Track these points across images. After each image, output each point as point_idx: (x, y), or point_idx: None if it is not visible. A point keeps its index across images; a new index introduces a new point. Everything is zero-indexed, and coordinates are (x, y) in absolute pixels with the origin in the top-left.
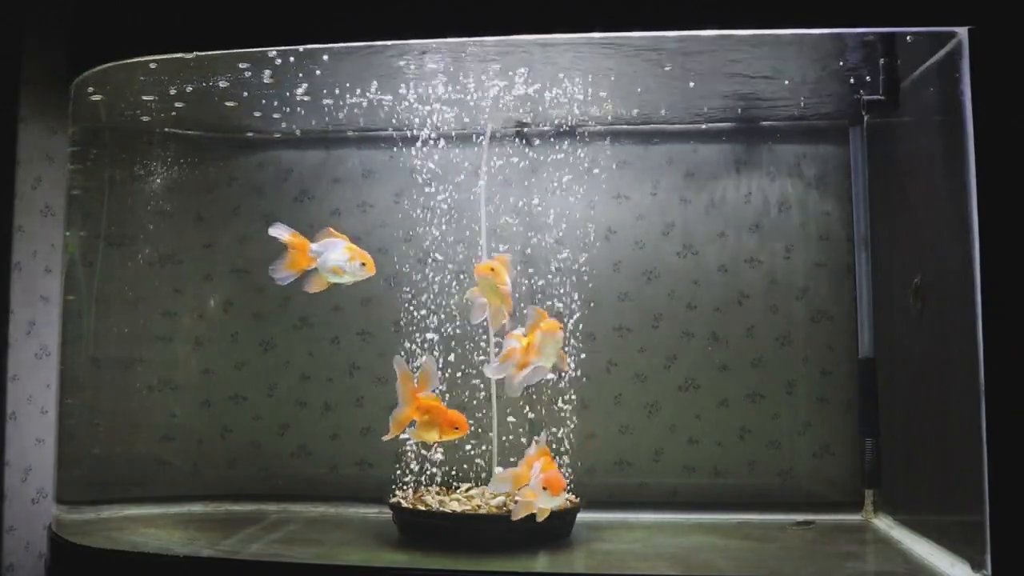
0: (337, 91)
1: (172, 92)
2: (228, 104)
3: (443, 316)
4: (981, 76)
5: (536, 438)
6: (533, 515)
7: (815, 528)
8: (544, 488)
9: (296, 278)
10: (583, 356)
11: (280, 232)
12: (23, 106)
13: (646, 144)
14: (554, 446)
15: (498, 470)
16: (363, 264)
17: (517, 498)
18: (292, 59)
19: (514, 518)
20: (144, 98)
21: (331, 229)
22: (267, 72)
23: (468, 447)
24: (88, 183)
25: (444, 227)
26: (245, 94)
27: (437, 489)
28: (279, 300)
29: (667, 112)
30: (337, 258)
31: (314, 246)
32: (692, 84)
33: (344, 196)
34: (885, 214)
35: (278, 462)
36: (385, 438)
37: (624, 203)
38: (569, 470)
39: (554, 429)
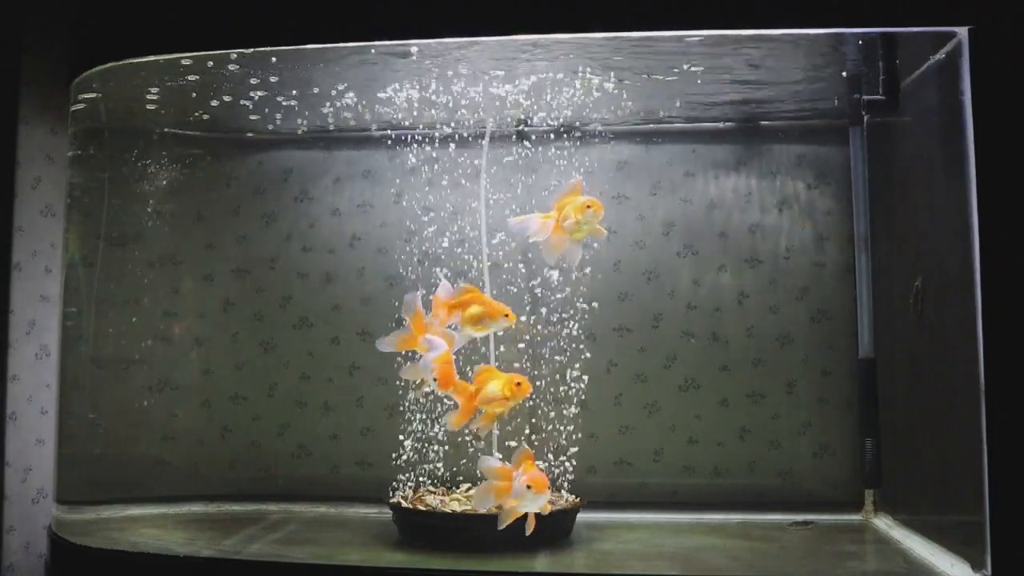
0: (337, 91)
1: (172, 92)
2: (227, 104)
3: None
4: (981, 76)
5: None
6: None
7: (815, 528)
8: (528, 487)
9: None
10: (584, 356)
11: (411, 303)
12: (23, 106)
13: (646, 144)
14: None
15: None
16: (435, 379)
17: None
18: (292, 59)
19: (500, 527)
20: (144, 98)
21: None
22: (267, 72)
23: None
24: (88, 183)
25: (444, 226)
26: (245, 94)
27: (437, 489)
28: (279, 300)
29: (667, 112)
30: (427, 363)
31: (428, 337)
32: (692, 84)
33: (344, 196)
34: (885, 214)
35: (278, 462)
36: (471, 428)
37: (624, 203)
38: (567, 470)
39: (553, 428)
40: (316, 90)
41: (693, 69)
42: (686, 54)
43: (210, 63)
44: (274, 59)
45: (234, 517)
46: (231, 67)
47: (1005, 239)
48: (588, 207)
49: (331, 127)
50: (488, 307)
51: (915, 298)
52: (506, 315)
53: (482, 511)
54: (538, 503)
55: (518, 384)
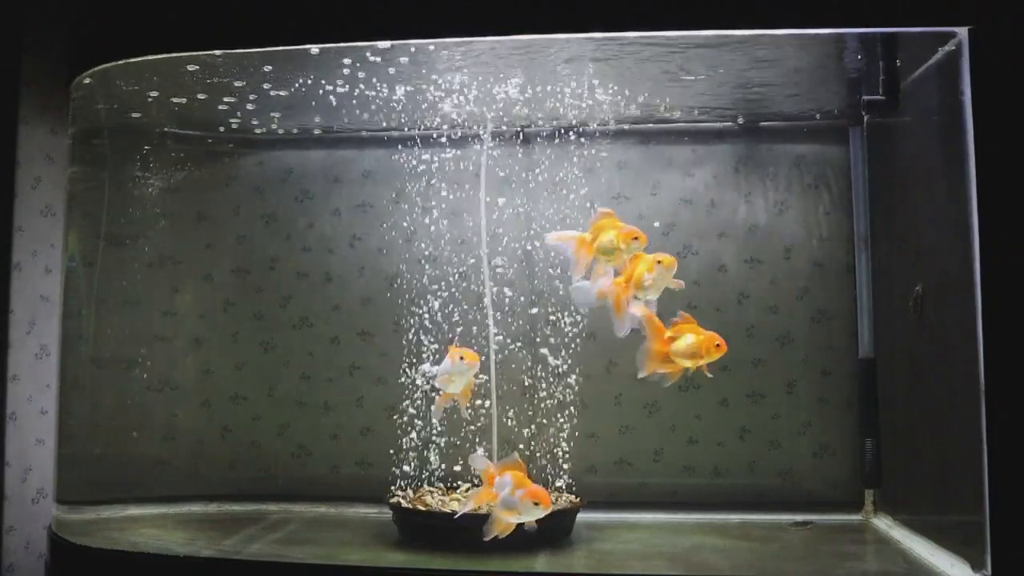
0: (337, 91)
1: (171, 92)
2: (228, 104)
3: (444, 316)
4: (981, 76)
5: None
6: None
7: (815, 528)
8: (535, 504)
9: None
10: (583, 355)
11: (479, 464)
12: (23, 106)
13: (646, 144)
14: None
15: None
16: (534, 503)
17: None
18: (292, 58)
19: (486, 537)
20: (144, 98)
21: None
22: (267, 71)
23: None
24: (88, 183)
25: (444, 227)
26: (245, 94)
27: (437, 489)
28: (279, 300)
29: (667, 112)
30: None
31: (497, 480)
32: (692, 84)
33: (344, 196)
34: (885, 214)
35: (278, 462)
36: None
37: (624, 203)
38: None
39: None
40: (318, 88)
41: (694, 71)
42: (687, 54)
43: (210, 63)
44: (274, 58)
45: (234, 517)
46: (231, 66)
47: (1005, 239)
48: (659, 262)
49: (331, 127)
50: (700, 342)
51: (915, 302)
52: (717, 345)
53: (460, 513)
54: (536, 515)
55: (717, 345)
